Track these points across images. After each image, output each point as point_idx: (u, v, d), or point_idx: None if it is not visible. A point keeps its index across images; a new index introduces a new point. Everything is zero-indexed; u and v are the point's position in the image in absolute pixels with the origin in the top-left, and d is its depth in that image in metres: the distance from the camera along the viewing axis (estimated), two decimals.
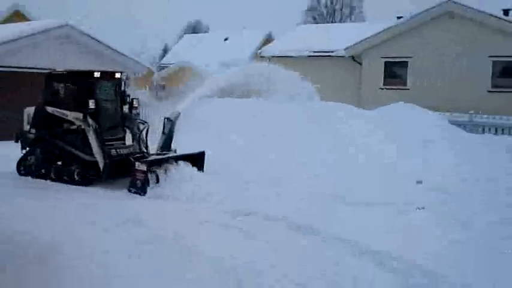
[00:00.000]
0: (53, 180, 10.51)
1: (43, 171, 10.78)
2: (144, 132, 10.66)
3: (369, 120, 12.88)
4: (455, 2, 20.32)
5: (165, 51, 69.76)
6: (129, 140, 10.92)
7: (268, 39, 50.43)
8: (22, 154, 11.19)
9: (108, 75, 10.82)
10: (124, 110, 11.00)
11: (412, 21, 21.44)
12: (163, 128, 10.77)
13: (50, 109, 10.70)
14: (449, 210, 8.05)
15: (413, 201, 8.39)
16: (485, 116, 16.10)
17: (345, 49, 23.18)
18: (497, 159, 10.94)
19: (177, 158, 10.17)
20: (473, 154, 11.16)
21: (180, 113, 11.02)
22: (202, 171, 10.21)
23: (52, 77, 10.99)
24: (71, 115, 10.35)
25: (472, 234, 6.95)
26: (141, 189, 9.27)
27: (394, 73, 22.40)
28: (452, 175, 10.01)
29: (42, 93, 11.04)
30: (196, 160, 10.31)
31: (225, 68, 48.88)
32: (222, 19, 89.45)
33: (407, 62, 21.72)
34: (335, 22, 57.34)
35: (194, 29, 70.66)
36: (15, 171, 11.05)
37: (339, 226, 7.13)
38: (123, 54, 20.12)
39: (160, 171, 9.70)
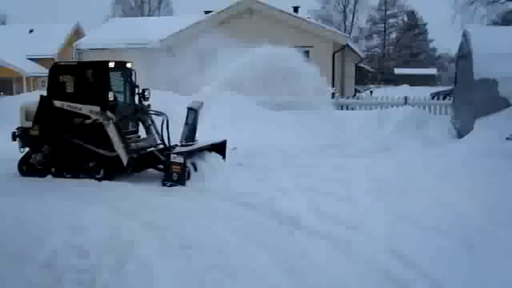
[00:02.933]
0: (66, 177, 9.78)
1: (53, 169, 10.04)
2: (164, 125, 10.01)
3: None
4: (254, 0, 23.37)
5: None
6: (142, 132, 10.59)
7: (77, 31, 49.61)
8: (22, 153, 10.33)
9: (120, 65, 10.23)
10: (135, 101, 10.51)
11: (218, 17, 23.91)
12: (187, 119, 10.35)
13: (58, 103, 9.86)
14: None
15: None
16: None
17: (159, 41, 24.85)
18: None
19: (207, 148, 10.04)
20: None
21: (203, 103, 10.53)
22: (225, 160, 10.31)
23: (58, 68, 10.20)
24: (85, 108, 9.63)
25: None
26: (178, 181, 9.02)
27: (207, 62, 24.70)
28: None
29: (47, 87, 10.23)
30: (219, 149, 10.33)
31: (32, 62, 46.97)
32: (19, 10, 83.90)
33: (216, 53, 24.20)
34: (144, 15, 58.45)
35: None
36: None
37: None
38: None
39: (196, 162, 9.55)
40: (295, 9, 26.64)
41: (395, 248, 5.57)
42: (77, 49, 28.80)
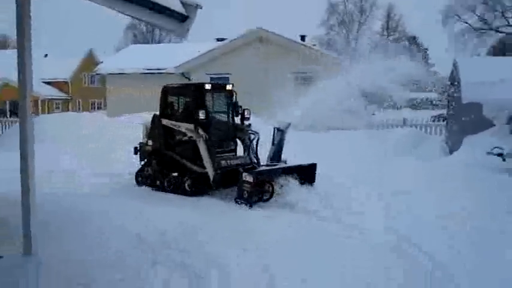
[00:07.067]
0: (167, 191, 10.63)
1: (158, 182, 11.01)
2: (254, 143, 10.36)
3: None
4: (263, 29, 25.17)
5: None
6: (240, 151, 10.91)
7: (90, 57, 51.50)
8: (140, 165, 11.53)
9: (219, 87, 10.90)
10: (236, 121, 10.91)
11: (230, 44, 25.68)
12: (273, 139, 10.48)
13: (164, 121, 10.92)
14: None
15: None
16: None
17: (175, 67, 26.44)
18: None
19: (287, 170, 10.01)
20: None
21: (290, 124, 10.55)
22: (313, 183, 10.04)
23: (167, 90, 11.18)
24: (183, 126, 10.43)
25: None
26: (247, 200, 9.22)
27: None
28: None
29: (159, 106, 11.31)
30: (307, 172, 10.10)
31: (47, 85, 48.65)
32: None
33: (228, 77, 25.78)
34: (155, 40, 60.54)
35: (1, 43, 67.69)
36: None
37: None
38: None
39: (274, 183, 9.69)
40: (302, 37, 28.50)
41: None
42: (97, 74, 30.55)
